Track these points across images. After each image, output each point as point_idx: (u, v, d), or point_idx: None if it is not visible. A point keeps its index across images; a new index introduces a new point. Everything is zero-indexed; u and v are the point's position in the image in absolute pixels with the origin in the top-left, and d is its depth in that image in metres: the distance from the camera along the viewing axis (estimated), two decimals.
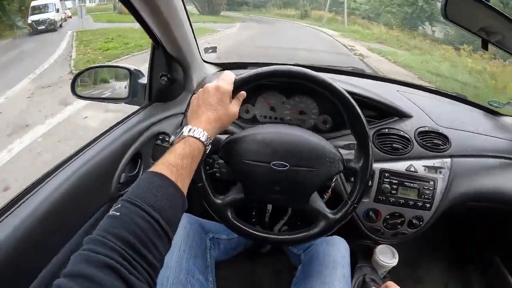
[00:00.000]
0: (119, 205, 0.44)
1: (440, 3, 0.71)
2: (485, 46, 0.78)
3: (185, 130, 0.57)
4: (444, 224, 1.13)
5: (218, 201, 0.74)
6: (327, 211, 0.76)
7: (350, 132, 0.74)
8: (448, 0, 0.69)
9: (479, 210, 1.08)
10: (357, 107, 0.71)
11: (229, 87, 0.64)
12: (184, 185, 0.51)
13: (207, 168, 0.90)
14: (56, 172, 0.72)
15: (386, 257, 1.09)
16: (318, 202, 0.76)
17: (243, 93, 0.69)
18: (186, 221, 0.87)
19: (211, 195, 0.74)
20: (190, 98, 1.03)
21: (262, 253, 1.13)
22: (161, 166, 0.50)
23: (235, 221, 0.75)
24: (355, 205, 0.75)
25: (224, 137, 0.75)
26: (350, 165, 0.75)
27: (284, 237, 0.76)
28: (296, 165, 0.72)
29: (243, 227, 0.75)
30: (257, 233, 0.76)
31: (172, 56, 0.96)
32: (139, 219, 0.43)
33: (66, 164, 0.74)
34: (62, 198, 0.68)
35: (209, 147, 0.59)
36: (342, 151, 0.76)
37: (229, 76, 0.66)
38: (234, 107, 0.65)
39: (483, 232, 1.40)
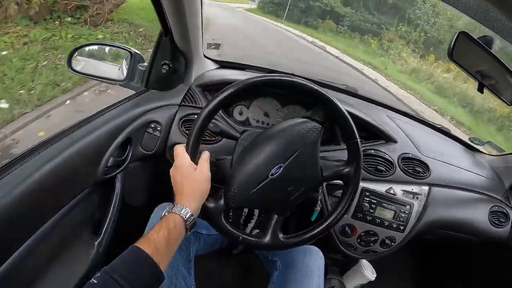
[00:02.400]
0: (99, 274, 0.50)
1: (449, 44, 0.75)
2: (481, 89, 0.83)
3: (167, 209, 0.63)
4: (413, 247, 1.18)
5: (211, 205, 0.72)
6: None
7: (342, 144, 0.77)
8: (456, 43, 0.74)
9: (448, 238, 1.13)
10: (352, 122, 0.75)
11: (185, 160, 0.67)
12: (161, 258, 0.56)
13: None
14: (44, 148, 0.70)
15: (369, 271, 1.12)
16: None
17: (206, 154, 0.71)
18: None
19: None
20: (186, 92, 1.03)
21: (235, 253, 1.13)
22: (142, 240, 0.56)
23: (230, 228, 0.75)
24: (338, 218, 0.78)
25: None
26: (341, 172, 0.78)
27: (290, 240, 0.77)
28: (288, 158, 0.73)
29: (234, 231, 0.75)
30: (247, 237, 0.76)
31: (177, 46, 0.96)
32: None
33: (55, 140, 0.73)
34: (47, 175, 0.67)
35: (190, 218, 0.62)
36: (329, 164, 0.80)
37: (180, 150, 0.69)
38: (202, 171, 0.68)
39: (449, 259, 1.46)
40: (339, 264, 1.22)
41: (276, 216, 0.78)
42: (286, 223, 0.82)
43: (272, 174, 0.73)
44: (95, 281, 0.49)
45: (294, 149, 0.74)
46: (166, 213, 0.62)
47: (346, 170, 0.79)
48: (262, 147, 0.74)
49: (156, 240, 0.56)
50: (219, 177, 0.76)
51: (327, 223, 0.79)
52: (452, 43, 0.75)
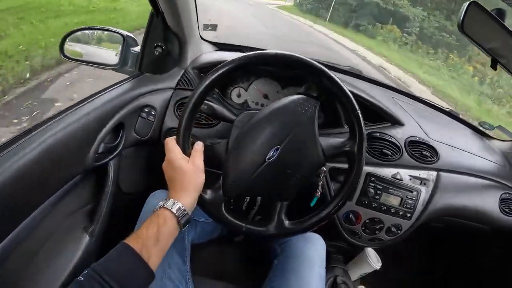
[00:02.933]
0: (86, 271, 0.50)
1: (458, 15, 0.70)
2: (494, 66, 0.78)
3: (159, 204, 0.61)
4: (420, 235, 1.14)
5: (209, 197, 0.69)
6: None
7: (345, 124, 0.72)
8: (466, 13, 0.69)
9: (456, 226, 1.09)
10: (353, 99, 0.71)
11: (175, 153, 0.64)
12: (150, 254, 0.54)
13: None
14: (32, 133, 0.67)
15: (374, 260, 1.09)
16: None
17: (199, 145, 0.68)
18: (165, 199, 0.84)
19: (201, 192, 0.68)
20: (181, 75, 0.99)
21: (236, 241, 1.11)
22: (131, 237, 0.55)
23: (232, 219, 0.71)
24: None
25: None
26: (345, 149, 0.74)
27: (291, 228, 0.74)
28: (284, 140, 0.70)
29: (237, 221, 0.72)
30: (251, 226, 0.73)
31: (170, 27, 0.92)
32: (99, 286, 0.48)
33: (44, 126, 0.70)
34: (35, 162, 0.64)
35: (181, 213, 0.60)
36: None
37: (170, 144, 0.66)
38: (194, 163, 0.65)
39: (456, 248, 1.42)
40: (343, 252, 1.19)
41: (279, 203, 0.74)
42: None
43: (269, 158, 0.69)
44: (82, 278, 0.49)
45: (290, 129, 0.69)
46: (158, 208, 0.60)
47: (349, 145, 0.74)
48: (256, 130, 0.70)
49: (145, 237, 0.55)
50: (215, 163, 0.72)
51: (334, 204, 0.74)
52: (462, 14, 0.70)
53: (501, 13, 0.73)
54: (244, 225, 0.72)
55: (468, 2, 0.70)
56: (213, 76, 0.67)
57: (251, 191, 0.73)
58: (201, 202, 0.68)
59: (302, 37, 10.97)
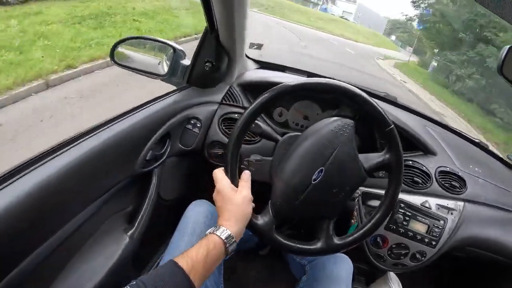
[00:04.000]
0: (134, 283, 0.51)
1: (498, 59, 0.73)
2: None
3: (210, 229, 0.64)
4: (441, 264, 1.15)
5: (260, 222, 0.72)
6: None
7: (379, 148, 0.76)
8: (506, 56, 0.71)
9: (479, 257, 1.10)
10: (386, 115, 0.74)
11: (223, 184, 0.69)
12: (197, 276, 0.56)
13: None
14: (84, 138, 0.71)
15: (395, 283, 1.10)
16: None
17: (246, 173, 0.73)
18: (207, 210, 0.87)
19: (252, 217, 0.71)
20: (227, 90, 1.03)
21: (261, 255, 1.13)
22: (180, 256, 0.57)
23: (283, 240, 0.74)
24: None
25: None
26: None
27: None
28: (327, 161, 0.72)
29: (288, 242, 0.75)
30: (302, 246, 0.76)
31: (222, 44, 0.96)
32: None
33: (95, 131, 0.74)
34: (86, 165, 0.68)
35: (230, 240, 0.63)
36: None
37: (219, 175, 0.70)
38: (242, 193, 0.69)
39: (476, 279, 1.42)
40: (365, 274, 1.21)
41: (326, 220, 0.77)
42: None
43: (314, 180, 0.72)
44: None
45: (331, 150, 0.73)
46: (208, 233, 0.63)
47: (387, 157, 0.77)
48: (299, 154, 0.73)
49: (194, 258, 0.57)
50: (258, 179, 0.76)
51: (378, 215, 0.77)
52: (502, 57, 0.72)
53: None
54: (295, 245, 0.75)
55: (508, 46, 0.72)
56: (262, 101, 0.72)
57: (299, 213, 0.75)
58: (253, 227, 0.71)
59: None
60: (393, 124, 0.74)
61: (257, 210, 0.72)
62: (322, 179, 0.72)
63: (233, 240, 0.63)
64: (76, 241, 0.74)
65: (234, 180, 0.70)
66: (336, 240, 0.77)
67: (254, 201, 0.71)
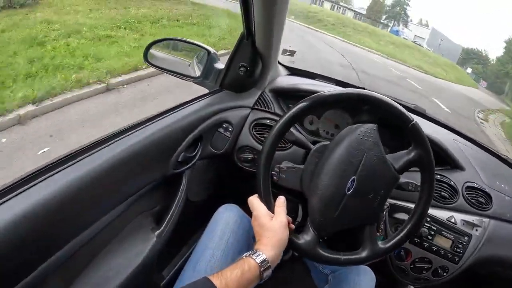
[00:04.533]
0: None
1: None
2: None
3: (247, 253, 0.65)
4: (461, 281, 1.14)
5: (302, 241, 0.73)
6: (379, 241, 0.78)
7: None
8: None
9: (500, 276, 1.09)
10: (405, 112, 0.75)
11: (260, 211, 0.70)
12: None
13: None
14: (119, 137, 0.72)
15: None
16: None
17: (281, 200, 0.73)
18: (236, 214, 0.88)
19: (294, 238, 0.73)
20: (259, 96, 1.04)
21: (283, 260, 1.13)
22: (215, 275, 0.58)
23: (329, 255, 0.75)
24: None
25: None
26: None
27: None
28: (357, 169, 0.73)
29: (334, 256, 0.75)
30: (348, 256, 0.76)
31: (258, 50, 0.97)
32: None
33: (130, 131, 0.75)
34: (120, 163, 0.69)
35: (265, 264, 0.63)
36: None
37: (255, 203, 0.72)
38: (277, 220, 0.70)
39: None
40: (386, 287, 1.20)
41: (367, 227, 0.77)
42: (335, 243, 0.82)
43: (348, 190, 0.72)
44: None
45: (359, 158, 0.73)
46: (244, 256, 0.64)
47: (416, 153, 0.77)
48: (329, 167, 0.74)
49: (228, 278, 0.58)
50: (289, 186, 0.78)
51: (416, 217, 0.78)
52: None
53: None
54: (341, 257, 0.75)
55: None
56: (294, 113, 0.73)
57: (339, 225, 0.75)
58: (296, 248, 0.72)
59: None
60: (414, 120, 0.75)
61: (295, 228, 0.74)
62: (355, 188, 0.72)
63: (268, 264, 0.63)
64: (104, 238, 0.75)
65: (270, 205, 0.71)
66: (381, 245, 0.77)
67: (291, 217, 0.72)
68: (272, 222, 0.69)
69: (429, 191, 0.78)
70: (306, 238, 0.73)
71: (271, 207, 0.71)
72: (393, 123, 0.76)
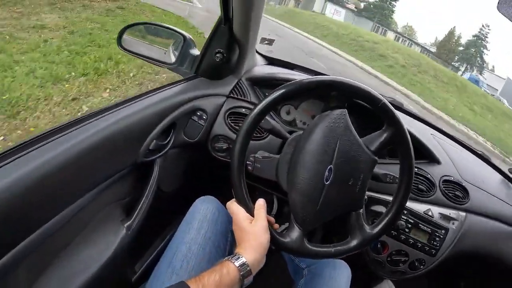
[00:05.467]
0: None
1: None
2: None
3: (226, 257, 0.63)
4: (438, 274, 1.15)
5: (286, 239, 0.71)
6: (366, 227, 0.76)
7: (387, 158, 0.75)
8: None
9: (476, 269, 1.10)
10: (373, 92, 0.72)
11: (239, 215, 0.69)
12: None
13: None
14: (87, 121, 0.68)
15: None
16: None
17: (260, 203, 0.71)
18: (215, 207, 0.85)
19: (279, 237, 0.71)
20: (235, 84, 1.01)
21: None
22: (193, 279, 0.56)
23: (319, 248, 0.73)
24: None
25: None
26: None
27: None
28: (333, 157, 0.71)
29: (324, 249, 0.73)
30: (338, 247, 0.74)
31: (235, 36, 0.94)
32: None
33: (103, 114, 0.71)
34: (88, 150, 0.65)
35: (243, 267, 0.61)
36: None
37: (233, 208, 0.70)
38: (258, 222, 0.68)
39: None
40: (362, 281, 1.19)
41: (353, 214, 0.75)
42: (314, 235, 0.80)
43: (326, 180, 0.70)
44: None
45: (333, 145, 0.71)
46: (224, 260, 0.62)
47: (389, 132, 0.75)
48: (304, 158, 0.71)
49: (206, 283, 0.56)
50: (264, 176, 0.75)
51: (400, 195, 0.76)
52: None
53: None
54: (332, 249, 0.73)
55: None
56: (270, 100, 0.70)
57: (324, 216, 0.73)
58: (282, 247, 0.70)
59: None
60: (383, 99, 0.73)
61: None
62: (334, 177, 0.70)
63: (248, 268, 0.61)
64: (72, 229, 0.70)
65: (249, 209, 0.69)
66: (368, 229, 0.75)
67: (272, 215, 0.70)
68: (252, 226, 0.67)
69: (408, 171, 0.76)
70: (292, 236, 0.71)
71: (250, 210, 0.69)
72: (363, 107, 0.74)
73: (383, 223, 0.76)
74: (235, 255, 0.62)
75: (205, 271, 0.58)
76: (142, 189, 0.87)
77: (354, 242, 0.74)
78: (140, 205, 0.85)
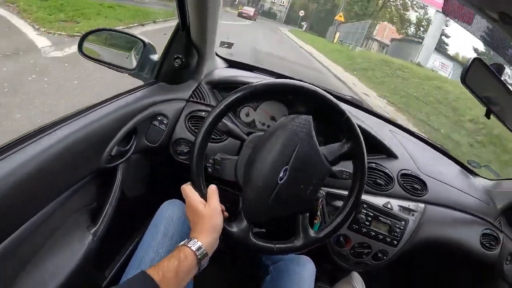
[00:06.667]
0: None
1: (462, 69, 0.76)
2: (488, 115, 0.85)
3: (182, 242, 0.64)
4: (403, 264, 1.20)
5: (233, 229, 0.73)
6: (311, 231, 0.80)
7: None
8: (470, 68, 0.76)
9: (438, 257, 1.15)
10: (339, 105, 0.76)
11: (193, 199, 0.70)
12: (167, 286, 0.56)
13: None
14: (49, 131, 0.68)
15: (359, 284, 1.13)
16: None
17: (213, 187, 0.72)
18: (181, 210, 0.86)
19: (226, 226, 0.72)
20: (195, 88, 1.02)
21: (226, 254, 1.13)
22: (152, 267, 0.57)
23: (262, 243, 0.75)
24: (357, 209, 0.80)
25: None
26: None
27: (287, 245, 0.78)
28: (290, 159, 0.74)
29: (267, 244, 0.76)
30: (281, 245, 0.77)
31: (193, 41, 0.95)
32: None
33: (61, 124, 0.71)
34: (50, 159, 0.66)
35: (201, 252, 0.63)
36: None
37: (187, 190, 0.71)
38: (211, 206, 0.69)
39: (437, 278, 1.48)
40: (329, 274, 1.23)
41: (300, 216, 0.78)
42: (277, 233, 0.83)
43: (280, 179, 0.73)
44: None
45: (292, 148, 0.74)
46: (180, 246, 0.63)
47: (348, 146, 0.80)
48: (263, 156, 0.74)
49: (165, 269, 0.57)
50: (224, 177, 0.77)
51: (350, 204, 0.80)
52: (466, 68, 0.77)
53: (499, 68, 0.81)
54: (274, 246, 0.76)
55: (472, 58, 0.77)
56: (228, 103, 0.73)
57: (271, 213, 0.76)
58: (229, 235, 0.72)
59: None
60: (348, 114, 0.77)
61: (229, 217, 0.74)
62: (288, 178, 0.73)
63: (204, 252, 0.63)
64: (38, 238, 0.71)
65: (202, 193, 0.71)
66: (313, 234, 0.79)
67: (226, 207, 0.73)
68: (205, 209, 0.68)
69: (361, 180, 0.80)
70: (239, 226, 0.73)
71: (204, 195, 0.71)
72: (327, 115, 0.78)
73: (327, 229, 0.80)
74: (191, 240, 0.64)
75: (164, 258, 0.60)
76: (107, 195, 0.88)
77: (296, 243, 0.78)
78: (105, 211, 0.86)
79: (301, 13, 36.55)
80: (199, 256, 0.62)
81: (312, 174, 0.77)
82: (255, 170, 0.74)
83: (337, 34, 21.86)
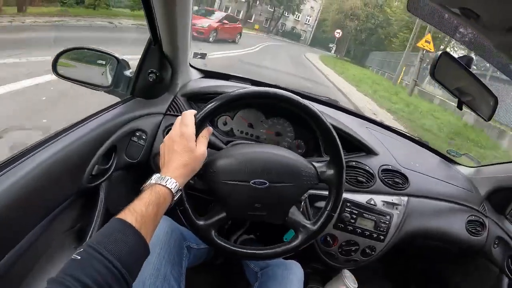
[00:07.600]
0: (81, 250, 0.46)
1: (431, 64, 0.79)
2: (460, 106, 0.87)
3: (154, 178, 0.60)
4: (394, 258, 1.22)
5: (201, 222, 0.74)
6: (307, 222, 0.80)
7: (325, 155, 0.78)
8: (438, 62, 0.78)
9: (427, 247, 1.17)
10: (335, 135, 0.76)
11: (191, 129, 0.66)
12: (148, 232, 0.53)
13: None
14: (27, 156, 0.68)
15: (350, 281, 1.15)
16: (296, 214, 0.80)
17: (208, 130, 0.71)
18: (167, 226, 0.86)
19: (193, 217, 0.73)
20: (171, 101, 1.02)
21: (216, 264, 1.14)
22: (127, 213, 0.53)
23: (220, 241, 0.76)
24: (332, 214, 0.79)
25: None
26: (325, 176, 0.79)
27: (269, 251, 0.78)
28: (276, 182, 0.74)
29: (228, 245, 0.76)
30: (244, 250, 0.77)
31: (166, 55, 0.96)
32: (99, 264, 0.45)
33: (39, 149, 0.71)
34: (29, 184, 0.65)
35: (178, 193, 0.61)
36: (316, 164, 0.80)
37: (189, 118, 0.67)
38: (201, 148, 0.67)
39: (428, 269, 1.51)
40: (320, 274, 1.24)
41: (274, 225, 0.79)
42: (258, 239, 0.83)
43: (254, 183, 0.73)
44: (78, 257, 0.45)
45: (287, 179, 0.75)
46: (153, 182, 0.59)
47: (330, 173, 0.79)
48: (242, 164, 0.74)
49: (145, 215, 0.53)
50: (205, 187, 0.77)
51: (324, 216, 0.80)
52: (435, 63, 0.79)
53: (468, 60, 0.83)
54: (232, 246, 0.76)
55: (440, 53, 0.79)
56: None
57: (246, 215, 0.77)
58: (195, 228, 0.73)
59: None
60: (321, 113, 0.76)
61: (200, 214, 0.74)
62: (266, 190, 0.74)
63: (179, 191, 0.61)
64: (24, 264, 0.70)
65: (198, 131, 0.69)
66: (291, 244, 0.79)
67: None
68: (196, 148, 0.65)
69: (334, 202, 0.80)
70: (205, 222, 0.74)
71: (198, 131, 0.68)
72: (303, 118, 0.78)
73: (286, 246, 0.79)
74: (168, 179, 0.60)
75: (137, 200, 0.56)
76: (91, 215, 0.87)
77: (262, 250, 0.78)
78: (91, 231, 0.85)
79: (337, 33, 27.33)
80: (175, 198, 0.60)
81: (291, 188, 0.76)
82: (233, 176, 0.73)
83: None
